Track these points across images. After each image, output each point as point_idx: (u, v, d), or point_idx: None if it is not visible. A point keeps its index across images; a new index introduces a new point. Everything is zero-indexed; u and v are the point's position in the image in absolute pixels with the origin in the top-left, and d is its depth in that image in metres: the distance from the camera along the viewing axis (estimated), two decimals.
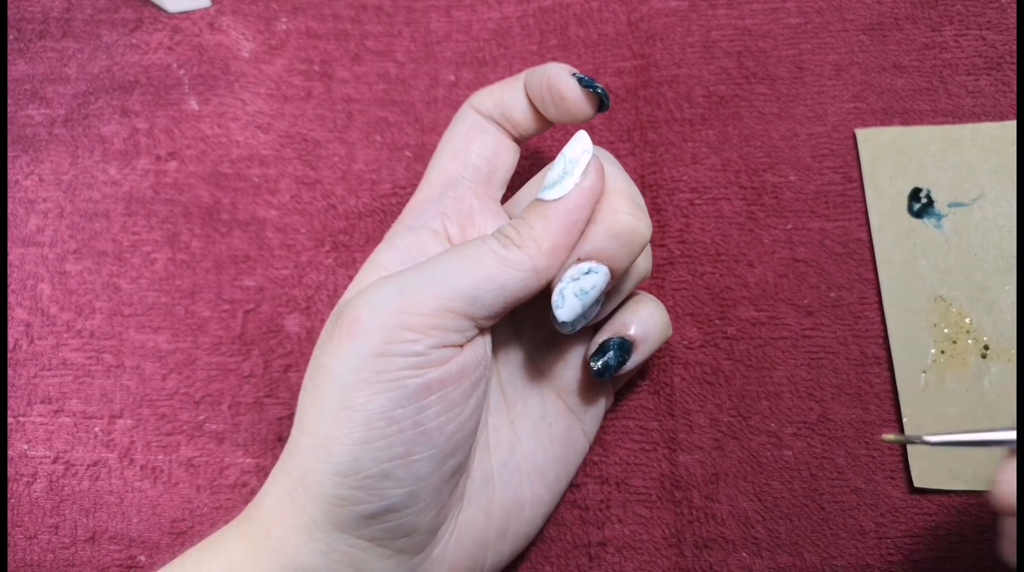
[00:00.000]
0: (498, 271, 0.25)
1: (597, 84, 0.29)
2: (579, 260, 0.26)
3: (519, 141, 0.32)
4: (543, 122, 0.31)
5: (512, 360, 0.31)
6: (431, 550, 0.27)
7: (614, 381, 0.33)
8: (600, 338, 0.30)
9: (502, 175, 0.31)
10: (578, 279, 0.26)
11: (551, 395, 0.31)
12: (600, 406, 0.32)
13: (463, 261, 0.26)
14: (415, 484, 0.25)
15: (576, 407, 0.31)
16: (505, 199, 0.32)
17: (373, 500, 0.25)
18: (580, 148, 0.27)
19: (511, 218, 0.30)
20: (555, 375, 0.31)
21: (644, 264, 0.30)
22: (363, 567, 0.25)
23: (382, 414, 0.24)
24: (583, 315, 0.27)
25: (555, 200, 0.26)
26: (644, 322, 0.29)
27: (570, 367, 0.31)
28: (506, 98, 0.30)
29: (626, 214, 0.26)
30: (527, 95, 0.30)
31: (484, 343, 0.27)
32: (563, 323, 0.27)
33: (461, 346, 0.26)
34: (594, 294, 0.26)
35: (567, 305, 0.26)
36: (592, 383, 0.31)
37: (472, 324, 0.26)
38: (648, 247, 0.30)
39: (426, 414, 0.25)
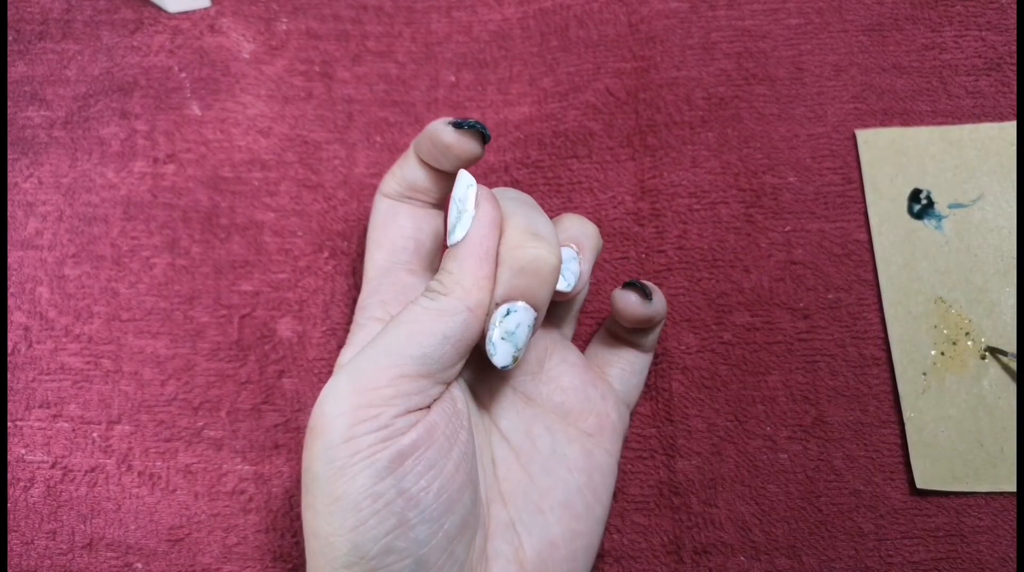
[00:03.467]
0: (435, 324, 0.26)
1: (471, 121, 0.30)
2: (497, 305, 0.27)
3: (437, 204, 0.33)
4: (446, 177, 0.32)
5: (506, 407, 0.31)
6: None
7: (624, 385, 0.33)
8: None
9: (429, 243, 0.33)
10: (502, 323, 0.27)
11: (557, 425, 0.31)
12: (611, 422, 0.32)
13: (401, 327, 0.26)
14: (418, 550, 0.25)
15: (590, 429, 0.31)
16: None
17: None
18: (464, 185, 0.28)
19: None
20: (552, 404, 0.31)
21: (584, 232, 0.31)
22: None
23: (365, 493, 0.24)
24: (519, 352, 0.28)
25: (460, 240, 0.27)
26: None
27: (563, 390, 0.31)
28: (405, 173, 0.32)
29: (524, 248, 0.27)
30: (420, 161, 0.31)
31: (452, 398, 0.28)
32: (503, 368, 0.27)
33: (428, 408, 0.26)
34: (522, 332, 0.27)
35: (499, 351, 0.27)
36: (592, 399, 0.31)
37: (431, 382, 0.26)
38: (593, 230, 0.31)
39: (407, 480, 0.25)
